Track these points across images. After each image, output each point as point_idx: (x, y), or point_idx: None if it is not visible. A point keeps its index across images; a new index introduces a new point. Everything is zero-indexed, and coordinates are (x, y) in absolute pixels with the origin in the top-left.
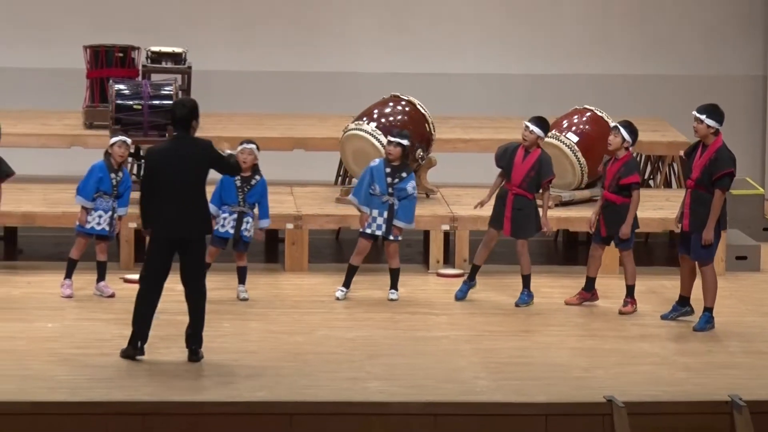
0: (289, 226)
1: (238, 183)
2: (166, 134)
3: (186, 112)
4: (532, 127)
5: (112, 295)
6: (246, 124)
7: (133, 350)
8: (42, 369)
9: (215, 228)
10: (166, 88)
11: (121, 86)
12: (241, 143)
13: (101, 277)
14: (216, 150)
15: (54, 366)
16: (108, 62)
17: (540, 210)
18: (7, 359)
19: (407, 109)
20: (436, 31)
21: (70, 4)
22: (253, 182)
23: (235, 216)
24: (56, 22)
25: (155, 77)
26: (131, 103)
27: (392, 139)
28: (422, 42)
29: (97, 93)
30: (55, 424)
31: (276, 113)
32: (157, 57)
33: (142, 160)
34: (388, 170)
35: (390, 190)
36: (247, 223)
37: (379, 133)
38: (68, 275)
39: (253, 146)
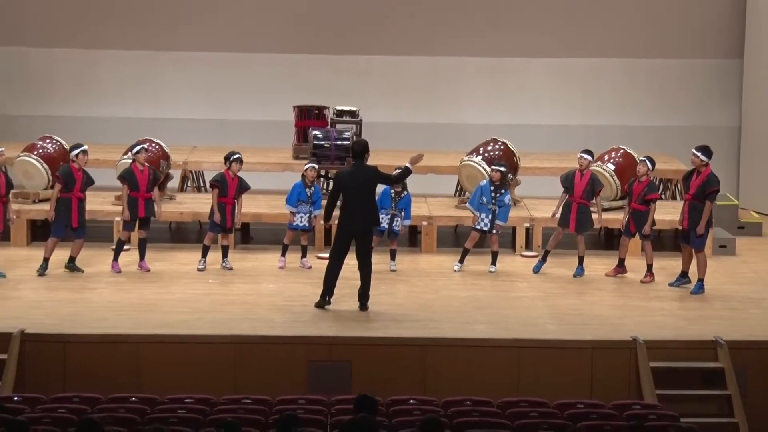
0: (425, 223)
1: (393, 194)
2: (345, 162)
3: (361, 148)
4: (585, 155)
5: (309, 267)
6: (396, 156)
7: (323, 302)
8: (264, 315)
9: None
10: (346, 134)
11: (317, 132)
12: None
13: (303, 255)
14: (380, 171)
15: (272, 312)
16: (308, 116)
17: (593, 211)
18: (241, 309)
19: (502, 147)
20: (521, 95)
21: (284, 78)
22: (403, 195)
23: (389, 216)
24: (274, 90)
25: (339, 126)
26: (323, 143)
27: (495, 167)
28: (511, 102)
29: (301, 136)
30: (273, 350)
31: (416, 149)
32: (340, 113)
33: (330, 179)
34: (492, 188)
35: (494, 201)
36: (397, 221)
37: (483, 163)
38: (282, 254)
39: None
